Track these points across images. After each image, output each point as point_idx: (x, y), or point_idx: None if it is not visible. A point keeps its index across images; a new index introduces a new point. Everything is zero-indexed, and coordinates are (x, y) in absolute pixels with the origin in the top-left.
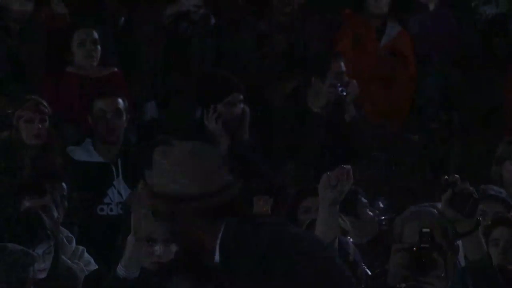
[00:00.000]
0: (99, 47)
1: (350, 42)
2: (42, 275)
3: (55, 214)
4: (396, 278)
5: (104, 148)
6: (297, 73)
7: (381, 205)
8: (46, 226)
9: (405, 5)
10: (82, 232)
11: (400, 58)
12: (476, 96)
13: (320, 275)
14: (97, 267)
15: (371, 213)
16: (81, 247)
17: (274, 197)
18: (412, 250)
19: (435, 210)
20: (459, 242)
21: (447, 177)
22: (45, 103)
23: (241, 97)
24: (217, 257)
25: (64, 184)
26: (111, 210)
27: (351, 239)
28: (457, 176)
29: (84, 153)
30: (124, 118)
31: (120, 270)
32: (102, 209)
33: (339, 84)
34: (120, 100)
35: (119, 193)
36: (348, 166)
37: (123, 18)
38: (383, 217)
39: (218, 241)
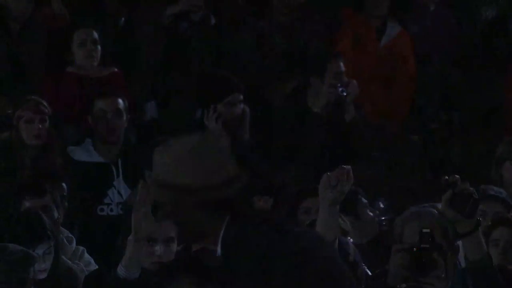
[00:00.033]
0: (99, 47)
1: (350, 42)
2: (42, 276)
3: (56, 214)
4: (396, 278)
5: (104, 148)
6: (297, 73)
7: (381, 205)
8: (46, 227)
9: (405, 5)
10: (82, 233)
11: (400, 58)
12: (476, 96)
13: (320, 275)
14: (97, 267)
15: (371, 214)
16: (81, 248)
17: (274, 197)
18: (412, 250)
19: (435, 211)
20: (459, 243)
21: (447, 177)
22: (45, 103)
23: (241, 97)
24: (219, 251)
25: (64, 184)
26: (111, 210)
27: (351, 240)
28: (457, 176)
29: (84, 153)
30: (124, 118)
31: (121, 270)
32: (102, 209)
33: (339, 84)
34: (120, 100)
35: (119, 193)
36: (348, 167)
37: (123, 18)
38: (383, 218)
39: (221, 236)
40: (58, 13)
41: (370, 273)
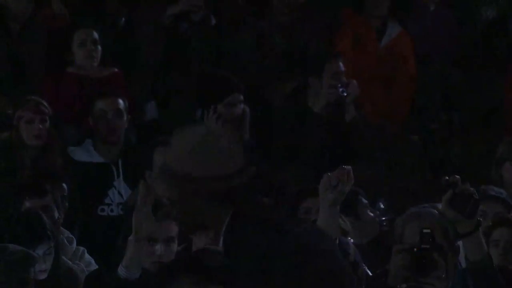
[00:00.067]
0: (99, 47)
1: (350, 42)
2: (43, 276)
3: (56, 214)
4: (397, 278)
5: (105, 149)
6: (297, 73)
7: (381, 206)
8: (46, 227)
9: (405, 6)
10: (83, 233)
11: (400, 59)
12: (476, 96)
13: (320, 274)
14: (97, 267)
15: (371, 214)
16: (81, 248)
17: (274, 197)
18: (413, 250)
19: (436, 211)
20: (460, 243)
21: (447, 177)
22: (45, 104)
23: (241, 97)
24: (220, 245)
25: (64, 185)
26: (111, 210)
27: (352, 240)
28: (457, 176)
29: (85, 154)
30: (125, 118)
31: (121, 270)
32: (102, 210)
33: (339, 85)
34: (120, 101)
35: (119, 193)
36: (349, 167)
37: (123, 19)
38: (383, 218)
39: (223, 230)
40: (58, 13)
41: (370, 274)
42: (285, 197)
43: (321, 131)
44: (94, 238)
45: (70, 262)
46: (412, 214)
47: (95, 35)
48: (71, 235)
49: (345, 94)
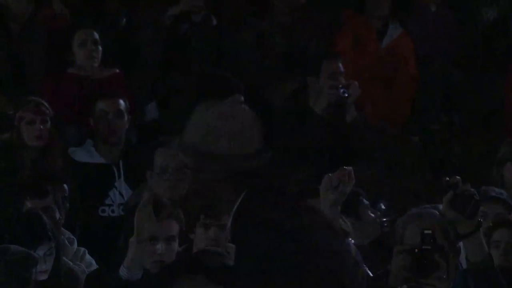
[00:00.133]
0: (100, 47)
1: (350, 42)
2: (43, 277)
3: (57, 215)
4: (398, 279)
5: (106, 149)
6: (297, 73)
7: (382, 206)
8: (47, 227)
9: (406, 7)
10: (84, 234)
11: (401, 59)
12: (477, 97)
13: (322, 274)
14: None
15: (372, 215)
16: (82, 249)
17: (274, 198)
18: (414, 251)
19: (437, 212)
20: (461, 244)
21: (448, 178)
22: (46, 104)
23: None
24: (229, 225)
25: (65, 186)
26: (112, 211)
27: (353, 241)
28: (458, 177)
29: (86, 154)
30: (126, 119)
31: (123, 271)
32: (103, 211)
33: (340, 86)
34: (121, 101)
35: (120, 194)
36: (350, 168)
37: (124, 19)
38: (384, 219)
39: (233, 212)
40: (59, 14)
41: (371, 274)
42: (285, 197)
43: (321, 131)
44: (95, 239)
45: (71, 263)
46: (413, 215)
47: (96, 35)
48: (72, 236)
49: (346, 95)
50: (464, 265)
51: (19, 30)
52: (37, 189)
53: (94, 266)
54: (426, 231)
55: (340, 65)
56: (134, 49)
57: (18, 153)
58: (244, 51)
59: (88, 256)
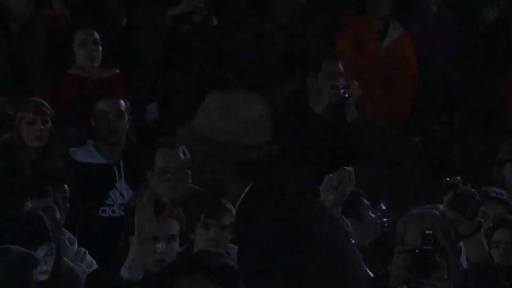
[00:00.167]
0: (100, 47)
1: (350, 42)
2: (44, 277)
3: (58, 215)
4: (398, 279)
5: (106, 150)
6: (297, 73)
7: (383, 207)
8: (47, 228)
9: (407, 7)
10: (84, 234)
11: (402, 59)
12: (477, 97)
13: (321, 274)
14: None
15: (373, 215)
16: (83, 249)
17: (274, 198)
18: (415, 252)
19: (437, 212)
20: (461, 244)
21: (448, 179)
22: (46, 105)
23: None
24: (233, 213)
25: (66, 186)
26: (113, 211)
27: (353, 241)
28: (458, 178)
29: (86, 155)
30: (126, 119)
31: (124, 272)
32: (104, 211)
33: (341, 86)
34: (122, 102)
35: (121, 194)
36: (350, 168)
37: (124, 19)
38: (385, 219)
39: (239, 202)
40: (59, 14)
41: (372, 275)
42: (285, 197)
43: (322, 132)
44: (95, 239)
45: (72, 263)
46: (414, 215)
47: (96, 35)
48: (72, 236)
49: (347, 95)
50: (465, 266)
51: (19, 30)
52: (38, 189)
53: (95, 266)
54: (427, 232)
55: (340, 65)
56: (134, 49)
57: (18, 153)
58: (244, 51)
59: (88, 257)
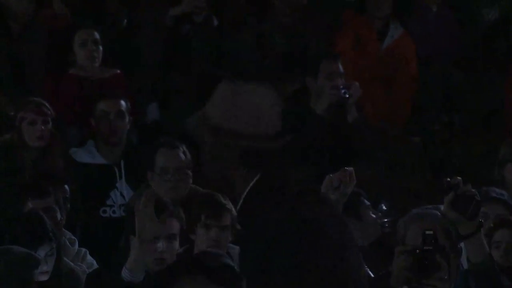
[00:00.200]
0: (100, 47)
1: (351, 42)
2: (44, 278)
3: (59, 216)
4: (399, 280)
5: (107, 150)
6: (297, 73)
7: (383, 207)
8: (47, 228)
9: (407, 7)
10: (85, 234)
11: (402, 60)
12: (477, 98)
13: (323, 274)
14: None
15: (373, 215)
16: (83, 249)
17: (274, 198)
18: (415, 252)
19: (438, 212)
20: (462, 244)
21: (448, 179)
22: (47, 105)
23: None
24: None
25: (66, 186)
26: (113, 212)
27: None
28: (459, 178)
29: (87, 155)
30: (127, 119)
31: (125, 273)
32: (104, 211)
33: (341, 86)
34: (122, 102)
35: (121, 195)
36: (351, 168)
37: (125, 19)
38: (385, 219)
39: (245, 192)
40: (59, 14)
41: (372, 275)
42: (286, 197)
43: (322, 132)
44: (96, 240)
45: (72, 264)
46: (415, 215)
47: (96, 35)
48: (73, 237)
49: (347, 96)
50: (465, 266)
51: (19, 30)
52: (38, 190)
53: (95, 267)
54: (427, 232)
55: (340, 65)
56: (135, 49)
57: (19, 153)
58: (244, 51)
59: (89, 257)
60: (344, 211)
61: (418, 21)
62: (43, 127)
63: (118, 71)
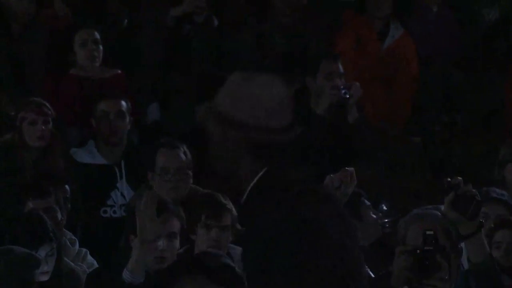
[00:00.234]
0: (101, 47)
1: (351, 43)
2: (45, 278)
3: (59, 216)
4: (400, 280)
5: (107, 150)
6: (297, 73)
7: (384, 207)
8: (48, 228)
9: (407, 7)
10: (85, 235)
11: (403, 60)
12: (477, 98)
13: (322, 274)
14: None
15: (374, 216)
16: (84, 250)
17: (276, 196)
18: (416, 252)
19: (438, 213)
20: (462, 245)
21: (449, 179)
22: (48, 105)
23: None
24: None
25: (67, 186)
26: (114, 212)
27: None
28: (459, 178)
29: (87, 155)
30: (127, 120)
31: (126, 275)
32: (105, 211)
33: (342, 86)
34: (123, 102)
35: (122, 195)
36: (352, 169)
37: (126, 20)
38: (386, 220)
39: (251, 185)
40: (61, 14)
41: (373, 275)
42: (286, 197)
43: (323, 132)
44: (96, 240)
45: (73, 264)
46: (415, 215)
47: (97, 35)
48: (73, 237)
49: (348, 96)
50: (466, 266)
51: (20, 30)
52: (39, 190)
53: (96, 267)
54: (428, 232)
55: (340, 66)
56: (135, 49)
57: (19, 153)
58: (244, 51)
59: (89, 257)
60: None
61: (418, 21)
62: (43, 127)
63: (119, 71)
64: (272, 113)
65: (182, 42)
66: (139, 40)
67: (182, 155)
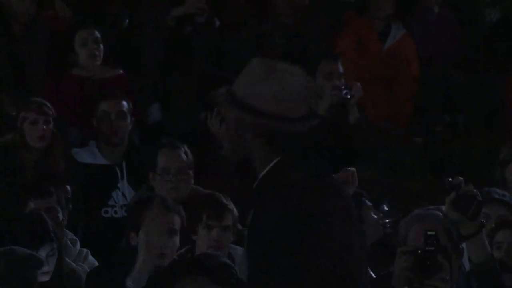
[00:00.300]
0: (101, 46)
1: (352, 43)
2: (46, 278)
3: (60, 216)
4: (401, 280)
5: (109, 150)
6: None
7: (385, 208)
8: (49, 228)
9: (408, 7)
10: (86, 235)
11: (404, 60)
12: (478, 98)
13: (322, 274)
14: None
15: (375, 216)
16: (85, 250)
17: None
18: (417, 252)
19: (440, 213)
20: (464, 245)
21: (450, 179)
22: (49, 105)
23: None
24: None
25: (68, 187)
26: (115, 212)
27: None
28: (461, 178)
29: (89, 155)
30: (128, 120)
31: (129, 284)
32: (106, 212)
33: (343, 87)
34: (124, 102)
35: (123, 195)
36: (353, 169)
37: (126, 20)
38: (387, 220)
39: (264, 172)
40: (61, 15)
41: (374, 276)
42: (292, 192)
43: (324, 132)
44: (97, 240)
45: (74, 264)
46: (416, 216)
47: (97, 34)
48: (74, 237)
49: (349, 96)
50: (467, 266)
51: (21, 30)
52: (40, 190)
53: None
54: (429, 232)
55: (340, 66)
56: (136, 49)
57: (20, 153)
58: (244, 51)
59: (91, 257)
60: None
61: (419, 22)
62: (44, 127)
63: (121, 71)
64: (290, 102)
65: (182, 43)
66: (139, 41)
67: (183, 156)
